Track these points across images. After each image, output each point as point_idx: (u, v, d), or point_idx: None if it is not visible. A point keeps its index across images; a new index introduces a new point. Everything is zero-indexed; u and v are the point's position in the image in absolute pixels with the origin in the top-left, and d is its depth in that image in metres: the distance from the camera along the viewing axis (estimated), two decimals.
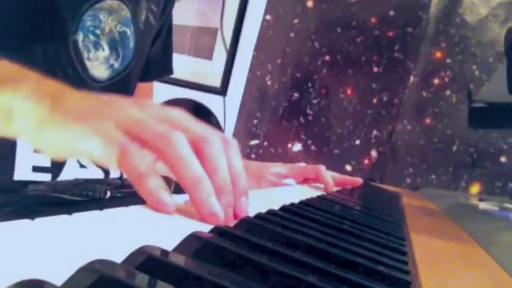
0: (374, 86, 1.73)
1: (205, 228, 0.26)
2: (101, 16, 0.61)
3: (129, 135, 0.31)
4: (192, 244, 0.22)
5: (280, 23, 1.82)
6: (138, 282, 0.15)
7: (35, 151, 0.58)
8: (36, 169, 0.59)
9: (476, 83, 1.57)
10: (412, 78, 1.69)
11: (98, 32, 0.62)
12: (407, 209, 0.72)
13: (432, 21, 1.68)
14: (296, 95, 1.82)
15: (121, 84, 0.67)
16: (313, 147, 1.79)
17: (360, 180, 0.90)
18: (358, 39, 1.74)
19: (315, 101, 1.79)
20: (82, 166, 0.64)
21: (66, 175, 0.62)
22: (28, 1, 0.55)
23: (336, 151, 1.76)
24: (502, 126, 1.38)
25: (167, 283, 0.16)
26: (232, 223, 0.30)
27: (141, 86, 0.78)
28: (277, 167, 0.81)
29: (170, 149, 0.30)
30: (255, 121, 1.84)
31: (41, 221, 0.20)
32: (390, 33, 1.72)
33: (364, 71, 1.74)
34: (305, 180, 0.82)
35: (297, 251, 0.25)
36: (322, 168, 0.79)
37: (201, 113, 1.80)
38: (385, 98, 1.72)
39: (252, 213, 0.32)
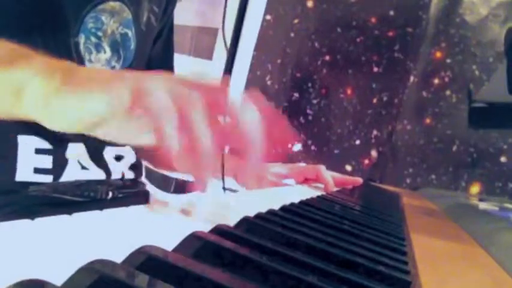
0: (374, 86, 1.73)
1: (205, 228, 0.26)
2: (103, 18, 0.61)
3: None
4: (192, 244, 0.22)
5: (280, 23, 1.82)
6: (138, 282, 0.15)
7: (37, 151, 0.58)
8: (37, 170, 0.59)
9: (476, 83, 1.57)
10: (412, 78, 1.69)
11: (99, 33, 0.61)
12: (407, 209, 0.72)
13: (432, 21, 1.68)
14: (296, 95, 1.82)
15: None
16: (313, 147, 1.79)
17: (360, 180, 0.90)
18: (358, 39, 1.74)
19: (315, 101, 1.79)
20: (84, 168, 0.64)
21: (67, 176, 0.62)
22: (30, 2, 0.55)
23: (336, 151, 1.76)
24: (502, 126, 1.38)
25: (167, 283, 0.16)
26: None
27: None
28: (278, 167, 0.81)
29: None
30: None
31: (41, 221, 0.20)
32: (390, 33, 1.72)
33: (364, 71, 1.74)
34: (305, 180, 0.82)
35: (297, 251, 0.25)
36: (322, 168, 0.79)
37: None
38: (385, 98, 1.72)
39: (252, 213, 0.32)
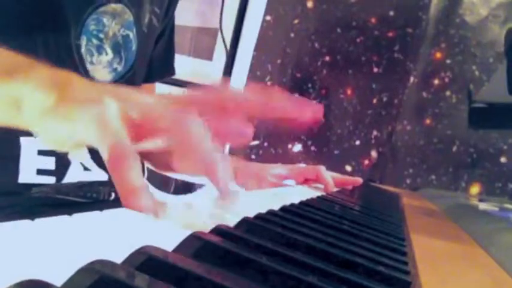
0: (374, 86, 1.73)
1: (205, 227, 0.26)
2: (105, 20, 0.61)
3: (135, 122, 0.31)
4: (192, 244, 0.22)
5: (280, 23, 1.82)
6: (138, 282, 0.15)
7: (40, 153, 0.58)
8: (40, 172, 0.58)
9: (476, 84, 1.57)
10: (412, 79, 1.70)
11: (101, 36, 0.61)
12: (407, 209, 0.72)
13: (432, 22, 1.68)
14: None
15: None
16: (313, 148, 1.79)
17: (359, 180, 0.90)
18: (358, 40, 1.75)
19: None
20: (86, 169, 0.64)
21: (70, 178, 0.62)
22: (30, 3, 0.55)
23: (335, 151, 1.76)
24: (502, 126, 1.38)
25: (167, 283, 0.16)
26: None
27: (144, 87, 0.78)
28: (278, 169, 0.81)
29: (183, 129, 0.31)
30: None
31: (41, 221, 0.20)
32: (390, 34, 1.72)
33: (364, 71, 1.74)
34: (305, 181, 0.81)
35: (297, 251, 0.25)
36: (322, 168, 0.79)
37: None
38: (385, 99, 1.72)
39: (252, 213, 0.32)
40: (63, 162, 0.60)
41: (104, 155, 0.30)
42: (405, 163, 1.68)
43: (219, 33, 1.81)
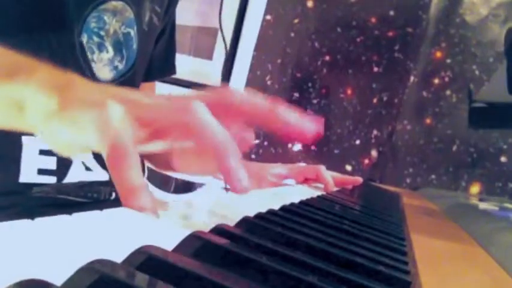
0: (374, 86, 1.73)
1: (205, 227, 0.26)
2: (105, 17, 0.61)
3: (139, 123, 0.31)
4: (192, 244, 0.22)
5: (280, 23, 1.82)
6: (138, 282, 0.15)
7: (41, 153, 0.58)
8: (41, 172, 0.58)
9: (476, 83, 1.57)
10: (412, 78, 1.70)
11: (102, 33, 0.61)
12: (407, 209, 0.72)
13: (432, 22, 1.68)
14: (296, 95, 1.82)
15: (125, 85, 0.67)
16: (313, 147, 1.79)
17: (360, 180, 0.89)
18: (358, 39, 1.75)
19: (315, 101, 1.79)
20: (87, 169, 0.64)
21: (71, 178, 0.62)
22: (31, 3, 0.55)
23: (336, 151, 1.76)
24: (502, 126, 1.38)
25: (167, 283, 0.16)
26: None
27: (144, 86, 0.78)
28: (278, 168, 0.81)
29: (192, 117, 0.30)
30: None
31: (40, 221, 0.20)
32: (390, 33, 1.72)
33: (364, 71, 1.74)
34: (305, 181, 0.81)
35: (297, 251, 0.25)
36: (322, 168, 0.79)
37: None
38: (385, 98, 1.72)
39: (252, 213, 0.32)
40: (64, 162, 0.60)
41: (104, 155, 0.30)
42: (405, 163, 1.68)
43: (219, 33, 1.81)
